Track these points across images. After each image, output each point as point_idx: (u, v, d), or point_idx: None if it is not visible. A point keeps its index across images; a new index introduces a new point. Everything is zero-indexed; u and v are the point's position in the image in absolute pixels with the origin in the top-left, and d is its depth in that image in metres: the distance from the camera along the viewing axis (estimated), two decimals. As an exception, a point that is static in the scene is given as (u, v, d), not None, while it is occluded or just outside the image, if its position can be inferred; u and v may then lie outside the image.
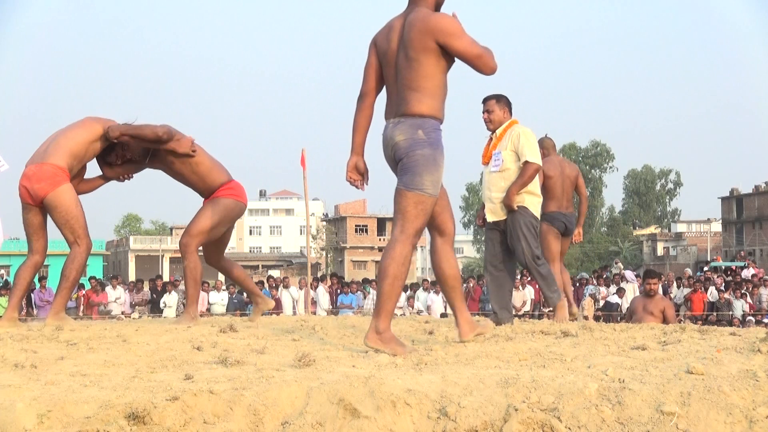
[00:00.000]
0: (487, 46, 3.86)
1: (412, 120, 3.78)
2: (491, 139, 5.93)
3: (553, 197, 7.14)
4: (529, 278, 17.56)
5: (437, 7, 3.95)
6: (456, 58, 3.83)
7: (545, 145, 7.16)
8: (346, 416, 2.72)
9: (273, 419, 2.73)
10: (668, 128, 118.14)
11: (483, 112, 5.91)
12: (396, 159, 3.85)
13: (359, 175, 4.01)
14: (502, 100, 5.91)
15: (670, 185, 76.16)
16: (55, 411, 2.68)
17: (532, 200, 5.81)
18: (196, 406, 2.71)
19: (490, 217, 5.88)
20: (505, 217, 5.79)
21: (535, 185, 5.86)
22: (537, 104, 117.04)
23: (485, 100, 5.93)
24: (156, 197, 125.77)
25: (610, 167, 71.12)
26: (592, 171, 69.48)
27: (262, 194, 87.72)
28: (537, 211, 5.86)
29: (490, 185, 5.86)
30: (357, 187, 4.03)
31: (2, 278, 21.07)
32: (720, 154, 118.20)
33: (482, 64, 3.81)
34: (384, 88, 4.01)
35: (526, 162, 5.72)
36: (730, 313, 16.17)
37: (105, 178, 5.83)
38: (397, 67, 3.82)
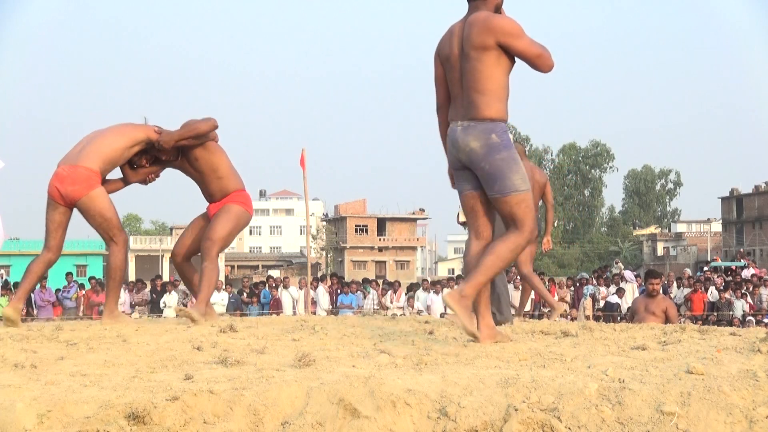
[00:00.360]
0: (544, 44, 3.96)
1: (483, 125, 3.89)
2: None
3: None
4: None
5: (497, 10, 4.05)
6: (517, 58, 3.94)
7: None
8: (346, 416, 2.72)
9: (273, 419, 2.73)
10: (668, 128, 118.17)
11: None
12: (470, 164, 3.96)
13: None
14: None
15: (670, 185, 76.21)
16: (55, 411, 2.68)
17: None
18: (196, 406, 2.71)
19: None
20: None
21: None
22: (537, 104, 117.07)
23: None
24: (156, 197, 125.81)
25: (610, 167, 71.14)
26: (592, 171, 69.49)
27: (262, 194, 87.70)
28: None
29: None
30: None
31: (2, 278, 21.07)
32: (720, 154, 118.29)
33: (542, 63, 3.93)
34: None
35: None
36: (730, 313, 16.17)
37: (126, 182, 5.87)
38: (462, 70, 3.92)
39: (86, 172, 5.39)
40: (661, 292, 8.40)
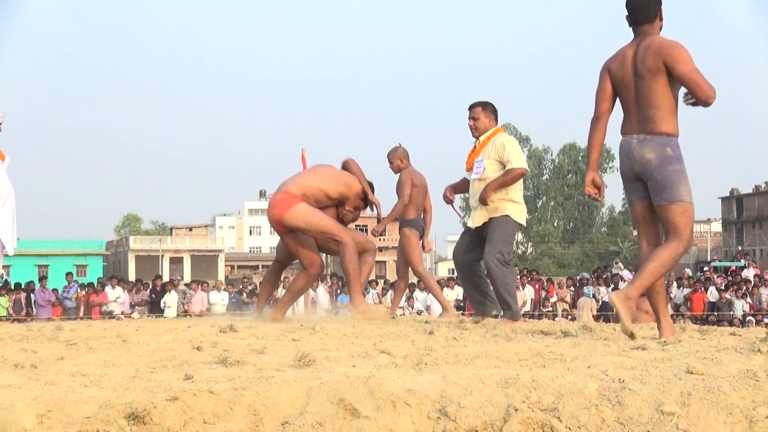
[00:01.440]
0: (712, 84, 4.17)
1: (659, 138, 4.22)
2: (475, 146, 5.91)
3: (416, 205, 7.28)
4: (529, 278, 17.58)
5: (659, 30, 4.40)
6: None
7: (404, 155, 7.30)
8: (346, 416, 2.72)
9: (273, 419, 2.73)
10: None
11: (468, 119, 5.88)
12: (643, 174, 4.26)
13: (596, 188, 4.45)
14: (488, 108, 5.89)
15: (670, 185, 76.12)
16: (55, 411, 2.68)
17: (514, 208, 5.72)
18: (196, 406, 2.71)
19: (470, 223, 5.84)
20: (480, 224, 5.73)
21: (518, 192, 5.77)
22: (537, 104, 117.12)
23: (471, 107, 5.90)
24: (156, 197, 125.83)
25: (610, 167, 71.06)
26: (592, 171, 69.48)
27: (262, 194, 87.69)
28: (521, 219, 5.77)
29: (473, 193, 5.82)
30: (596, 199, 4.50)
31: (2, 278, 21.08)
32: (720, 154, 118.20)
33: (699, 91, 4.14)
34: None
35: (512, 168, 5.66)
36: (731, 313, 16.17)
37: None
38: (637, 90, 4.26)
39: (283, 196, 5.99)
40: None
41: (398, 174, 7.27)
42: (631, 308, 4.08)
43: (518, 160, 5.68)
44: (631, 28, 4.38)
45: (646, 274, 4.16)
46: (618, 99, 4.41)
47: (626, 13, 4.36)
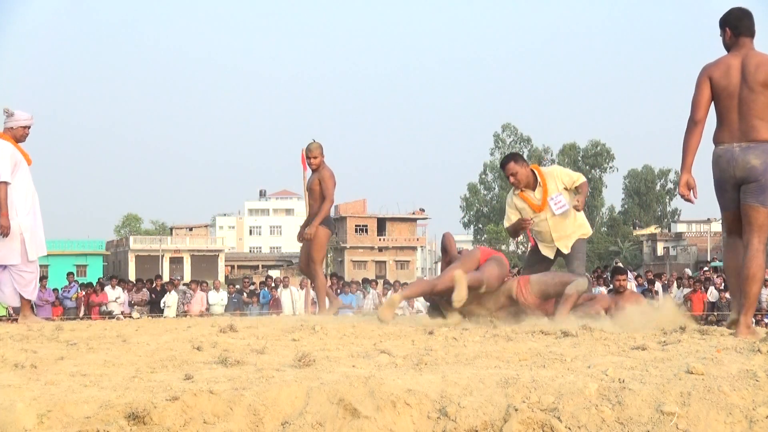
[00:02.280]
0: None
1: (764, 146, 4.47)
2: (522, 191, 6.20)
3: (331, 202, 7.38)
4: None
5: None
6: None
7: (322, 150, 7.35)
8: (346, 416, 2.72)
9: (273, 419, 2.73)
10: (668, 128, 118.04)
11: (508, 177, 6.20)
12: (746, 179, 4.50)
13: (689, 190, 4.67)
14: (519, 159, 6.27)
15: (670, 185, 76.15)
16: (55, 411, 2.68)
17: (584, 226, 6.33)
18: (196, 406, 2.71)
19: (564, 250, 6.25)
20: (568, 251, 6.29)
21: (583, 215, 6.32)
22: (537, 104, 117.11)
23: (504, 166, 6.25)
24: (156, 197, 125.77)
25: (610, 167, 71.13)
26: (592, 171, 69.47)
27: (262, 194, 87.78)
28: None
29: (556, 228, 6.20)
30: (690, 201, 4.70)
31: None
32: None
33: None
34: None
35: (582, 181, 6.24)
36: (730, 313, 16.15)
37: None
38: (742, 100, 4.49)
39: None
40: (628, 287, 8.54)
41: (316, 170, 7.27)
42: (755, 331, 4.47)
43: (579, 176, 6.28)
44: (725, 40, 4.64)
45: (751, 298, 4.50)
46: (714, 106, 4.61)
47: (724, 25, 4.64)
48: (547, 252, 6.34)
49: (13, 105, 6.35)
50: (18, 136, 6.28)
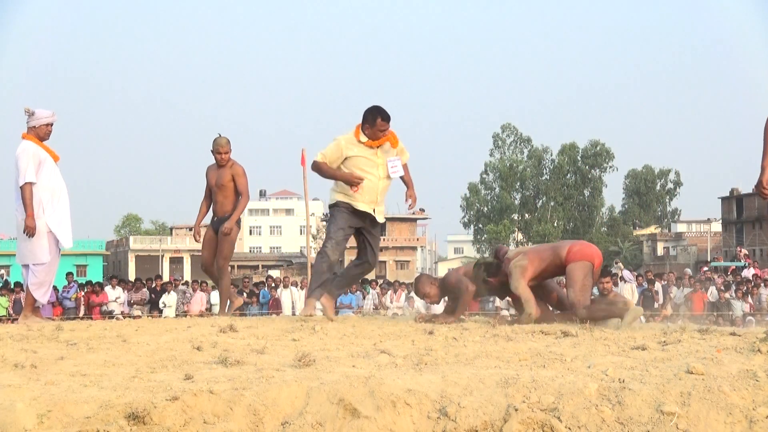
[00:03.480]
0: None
1: None
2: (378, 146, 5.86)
3: (248, 198, 7.32)
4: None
5: None
6: None
7: (230, 147, 7.16)
8: (346, 416, 2.72)
9: (273, 419, 2.73)
10: (668, 128, 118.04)
11: (383, 129, 5.80)
12: None
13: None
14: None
15: (670, 185, 76.14)
16: (55, 411, 2.68)
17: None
18: (196, 406, 2.71)
19: (365, 214, 5.90)
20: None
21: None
22: (537, 104, 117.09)
23: (389, 119, 5.83)
24: (156, 197, 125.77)
25: (610, 167, 71.06)
26: (592, 171, 69.42)
27: (262, 194, 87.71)
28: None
29: (383, 192, 5.94)
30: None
31: (2, 278, 21.09)
32: (720, 154, 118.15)
33: None
34: None
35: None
36: (730, 313, 16.16)
37: None
38: None
39: None
40: (613, 288, 8.57)
41: (224, 166, 7.10)
42: None
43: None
44: None
45: None
46: None
47: None
48: (363, 208, 5.84)
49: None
50: (42, 134, 6.29)
